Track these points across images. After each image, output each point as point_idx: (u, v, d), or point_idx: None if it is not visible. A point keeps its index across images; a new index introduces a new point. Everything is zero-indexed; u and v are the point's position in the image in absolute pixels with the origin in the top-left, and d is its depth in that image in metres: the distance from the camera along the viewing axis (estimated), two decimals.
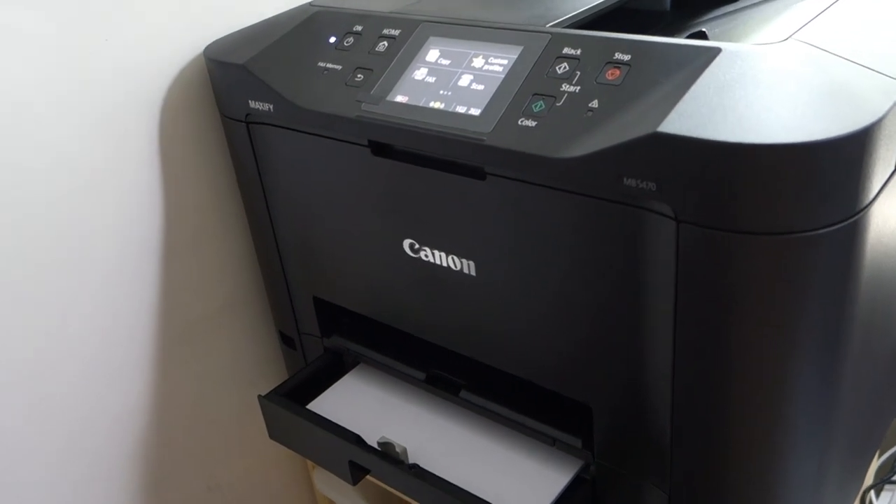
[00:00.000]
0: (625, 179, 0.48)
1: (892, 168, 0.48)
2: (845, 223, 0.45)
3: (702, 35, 0.57)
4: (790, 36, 0.50)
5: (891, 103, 0.45)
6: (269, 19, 0.73)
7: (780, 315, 0.48)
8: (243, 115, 0.70)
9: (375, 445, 0.68)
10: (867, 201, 0.46)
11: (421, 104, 0.58)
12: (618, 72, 0.51)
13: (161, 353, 0.80)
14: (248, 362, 0.89)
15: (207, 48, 0.73)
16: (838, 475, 0.60)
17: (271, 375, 0.91)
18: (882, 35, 0.54)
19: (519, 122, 0.53)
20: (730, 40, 0.52)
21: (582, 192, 0.51)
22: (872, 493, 0.84)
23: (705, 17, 0.69)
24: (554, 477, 0.66)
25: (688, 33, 0.61)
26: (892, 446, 0.90)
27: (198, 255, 0.80)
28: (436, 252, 0.63)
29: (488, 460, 0.68)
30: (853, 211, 0.45)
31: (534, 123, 0.52)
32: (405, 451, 0.66)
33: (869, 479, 0.82)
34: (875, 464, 0.85)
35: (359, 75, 0.62)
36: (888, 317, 0.60)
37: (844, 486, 0.65)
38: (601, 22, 0.63)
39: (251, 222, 0.80)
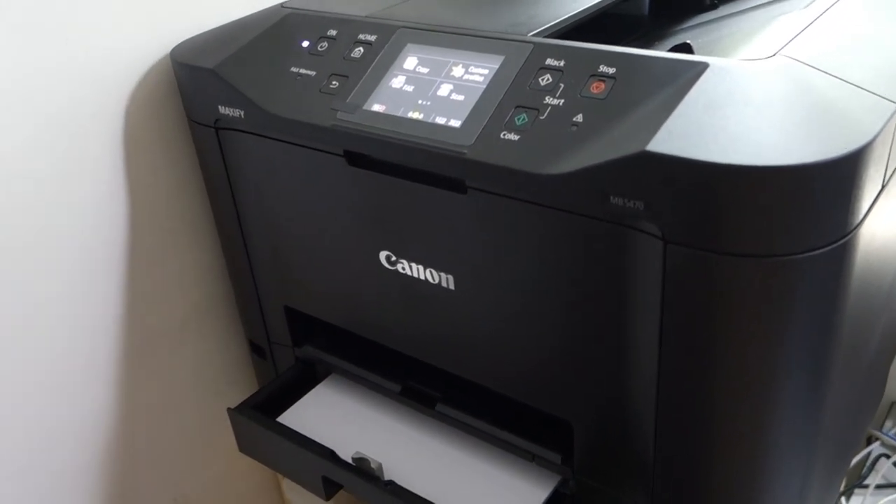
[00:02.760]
0: (611, 198, 0.46)
1: (880, 187, 0.48)
2: (834, 245, 0.45)
3: (686, 47, 0.56)
4: (777, 52, 0.49)
5: (881, 124, 0.44)
6: (239, 21, 0.71)
7: (766, 336, 0.47)
8: (212, 120, 0.67)
9: (349, 460, 0.66)
10: (856, 223, 0.45)
11: (399, 114, 0.56)
12: (602, 85, 0.50)
13: (126, 363, 0.77)
14: (217, 372, 0.87)
15: (174, 50, 0.70)
16: (818, 489, 0.60)
17: (241, 385, 0.89)
18: (869, 51, 0.54)
19: (501, 136, 0.51)
20: (714, 53, 0.51)
21: (566, 209, 0.50)
22: (843, 498, 0.85)
23: (685, 26, 0.69)
24: (533, 492, 0.65)
25: (670, 43, 0.60)
26: (860, 450, 0.91)
27: (165, 263, 0.78)
28: (413, 265, 0.61)
29: (465, 475, 0.67)
30: (842, 233, 0.45)
31: (517, 137, 0.51)
32: (380, 466, 0.65)
33: (840, 485, 0.83)
34: None
35: (334, 82, 0.60)
36: (868, 330, 0.60)
37: (825, 494, 0.65)
38: (581, 30, 0.61)
39: (220, 230, 0.77)
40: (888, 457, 0.90)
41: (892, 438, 0.92)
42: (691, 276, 0.46)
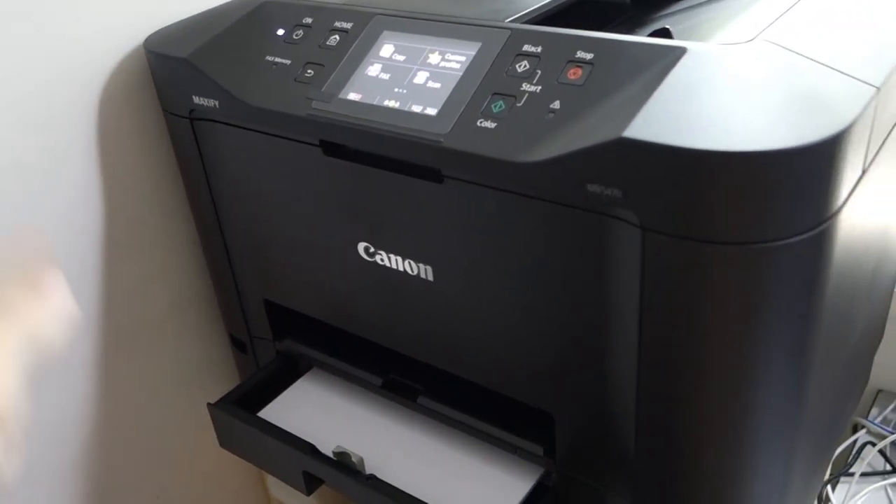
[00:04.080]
0: (588, 186, 0.46)
1: (860, 172, 0.47)
2: (814, 231, 0.44)
3: (665, 32, 0.55)
4: (756, 36, 0.49)
5: (860, 108, 0.44)
6: (213, 9, 0.69)
7: (747, 323, 0.47)
8: (187, 111, 0.66)
9: (330, 455, 0.65)
10: (836, 208, 0.44)
11: (375, 102, 0.56)
12: (580, 71, 0.49)
13: (104, 359, 0.76)
14: (198, 367, 0.86)
15: (148, 39, 0.69)
16: (802, 478, 0.60)
17: (222, 380, 0.88)
18: (848, 35, 0.53)
19: (478, 123, 0.51)
20: (693, 38, 0.51)
21: (544, 197, 0.49)
22: (829, 487, 0.85)
23: (666, 12, 0.68)
24: (515, 484, 0.64)
25: (650, 29, 0.60)
26: (845, 439, 0.90)
27: (142, 256, 0.77)
28: (392, 256, 0.60)
29: (448, 468, 0.67)
30: (822, 218, 0.44)
31: (493, 125, 0.50)
32: (361, 460, 0.64)
33: (825, 473, 0.82)
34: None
35: (309, 70, 0.59)
36: (850, 318, 0.60)
37: (807, 486, 0.65)
38: (561, 16, 0.60)
39: (197, 222, 0.76)
40: (874, 444, 0.90)
41: (877, 426, 0.91)
42: (670, 264, 0.46)
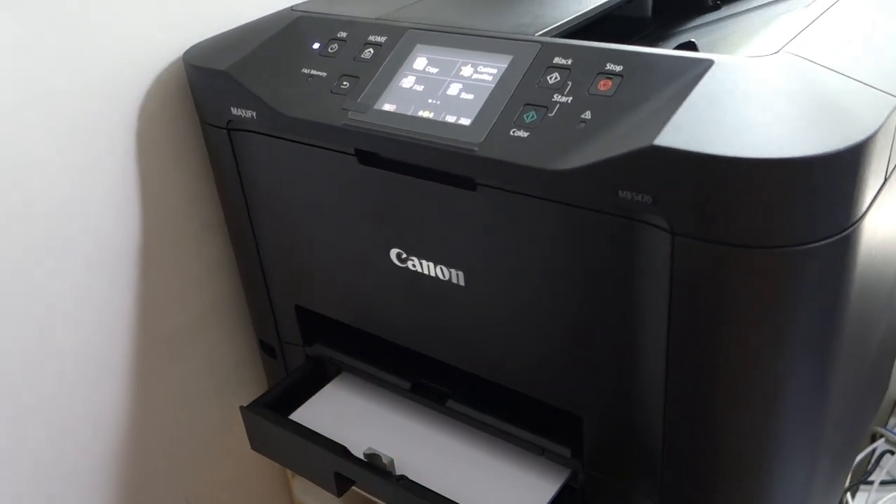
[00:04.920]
0: (620, 192, 0.47)
1: (883, 180, 0.49)
2: (838, 236, 0.45)
3: (691, 45, 0.57)
4: (781, 48, 0.50)
5: (883, 117, 0.45)
6: (250, 24, 0.72)
7: (773, 327, 0.48)
8: (225, 122, 0.68)
9: (361, 456, 0.67)
10: (860, 214, 0.46)
11: (409, 113, 0.58)
12: (610, 83, 0.51)
13: (138, 364, 0.78)
14: (228, 371, 0.87)
15: (187, 53, 0.71)
16: (824, 482, 0.61)
17: (251, 385, 0.90)
18: (870, 47, 0.55)
19: (511, 133, 0.52)
20: (718, 51, 0.52)
21: (575, 204, 0.51)
22: (848, 494, 0.85)
23: (688, 26, 0.70)
24: (542, 486, 0.65)
25: (674, 43, 0.62)
26: (864, 447, 0.91)
27: (176, 263, 0.79)
28: (424, 262, 0.62)
29: (476, 470, 0.68)
30: (846, 224, 0.46)
31: (526, 134, 0.52)
32: (392, 462, 0.66)
33: (845, 481, 0.83)
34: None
35: (344, 83, 0.61)
36: (871, 324, 0.61)
37: (828, 492, 0.65)
38: (587, 30, 0.62)
39: (231, 230, 0.78)
40: (893, 453, 0.91)
41: None
42: (698, 268, 0.47)
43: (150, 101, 0.72)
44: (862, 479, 0.88)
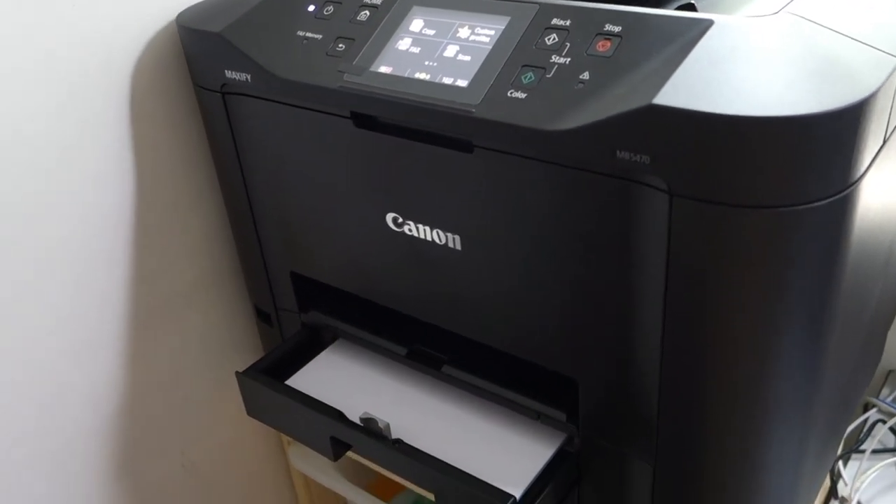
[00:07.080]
0: (618, 152, 0.47)
1: (881, 142, 0.49)
2: (837, 197, 0.45)
3: (690, 6, 0.56)
4: (781, 9, 0.50)
5: (883, 78, 0.45)
6: None
7: (771, 288, 0.48)
8: (219, 85, 0.68)
9: (357, 421, 0.67)
10: (858, 175, 0.46)
11: (406, 75, 0.57)
12: (609, 43, 0.51)
13: (133, 330, 0.78)
14: (223, 338, 0.87)
15: (180, 15, 0.70)
16: (817, 449, 0.62)
17: (247, 352, 0.90)
18: (871, 8, 0.54)
19: (508, 94, 0.52)
20: (718, 12, 0.52)
21: (573, 165, 0.51)
22: (840, 463, 0.86)
23: None
24: (538, 450, 0.66)
25: (675, 4, 0.61)
26: (856, 417, 0.92)
27: (171, 230, 0.78)
28: (420, 226, 0.62)
29: (472, 435, 0.68)
30: (845, 185, 0.45)
31: (524, 95, 0.51)
32: (388, 426, 0.66)
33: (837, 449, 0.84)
34: None
35: (340, 45, 0.61)
36: (867, 291, 0.61)
37: (821, 458, 0.66)
38: None
39: (226, 196, 0.78)
40: (884, 423, 0.91)
41: (888, 405, 0.93)
42: (696, 229, 0.47)
43: (143, 65, 0.72)
44: (854, 447, 0.89)
